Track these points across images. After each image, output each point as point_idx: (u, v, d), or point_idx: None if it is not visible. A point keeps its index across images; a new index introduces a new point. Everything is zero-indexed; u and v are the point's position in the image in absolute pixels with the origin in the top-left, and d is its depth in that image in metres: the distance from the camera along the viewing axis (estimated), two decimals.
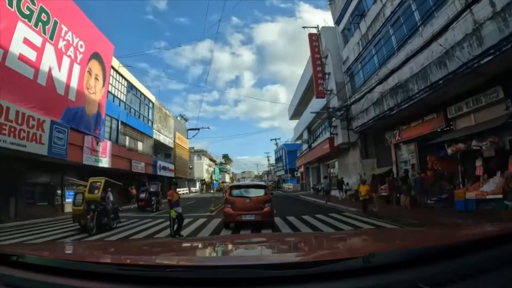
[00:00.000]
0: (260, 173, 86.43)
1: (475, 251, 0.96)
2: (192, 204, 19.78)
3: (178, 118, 34.27)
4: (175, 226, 7.57)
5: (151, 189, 15.09)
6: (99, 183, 9.06)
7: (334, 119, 16.62)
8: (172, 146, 29.47)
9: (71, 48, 15.24)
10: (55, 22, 13.96)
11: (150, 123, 24.38)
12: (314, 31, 19.78)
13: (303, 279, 0.84)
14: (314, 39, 19.38)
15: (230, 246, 1.77)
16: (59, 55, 14.41)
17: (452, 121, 10.92)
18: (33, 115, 12.10)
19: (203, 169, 52.18)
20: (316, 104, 20.55)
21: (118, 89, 19.50)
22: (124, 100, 20.16)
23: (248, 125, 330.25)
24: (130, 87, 21.17)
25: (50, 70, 13.75)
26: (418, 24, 10.43)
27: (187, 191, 41.59)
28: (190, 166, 48.77)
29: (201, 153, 53.77)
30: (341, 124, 16.35)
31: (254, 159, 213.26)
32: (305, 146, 28.36)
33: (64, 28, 14.76)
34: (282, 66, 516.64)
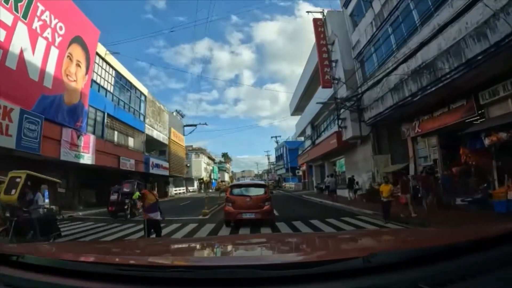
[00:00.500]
0: (260, 172, 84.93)
1: (475, 251, 0.95)
2: (186, 205, 18.11)
3: (174, 113, 32.48)
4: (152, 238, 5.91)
5: (125, 189, 11.69)
6: (19, 179, 6.23)
7: (342, 110, 14.90)
8: (166, 142, 27.72)
9: (48, 30, 13.54)
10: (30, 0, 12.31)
11: (142, 117, 22.62)
12: (319, 16, 18.08)
13: (303, 279, 0.84)
14: (319, 25, 17.67)
15: (230, 246, 1.76)
16: (34, 36, 12.73)
17: (484, 108, 9.29)
18: None
19: (201, 167, 50.46)
20: (322, 96, 18.88)
21: (104, 79, 17.77)
22: (112, 91, 18.42)
23: (248, 124, 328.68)
24: (119, 77, 19.43)
25: (21, 52, 12.09)
26: None
27: (185, 191, 40.00)
28: (188, 165, 47.19)
29: (199, 151, 52.08)
30: (351, 115, 14.64)
31: (254, 158, 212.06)
32: (308, 143, 26.67)
33: (41, 7, 13.08)
34: (282, 65, 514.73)
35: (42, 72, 13.08)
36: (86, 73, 15.80)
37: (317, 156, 22.73)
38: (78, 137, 14.64)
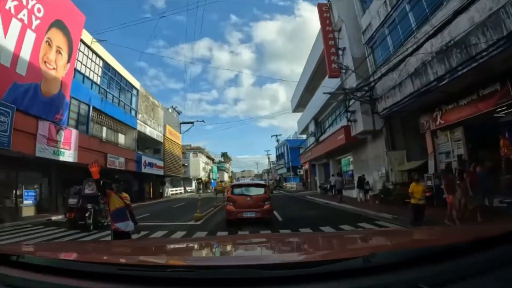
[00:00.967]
0: (260, 172, 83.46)
1: (475, 251, 0.95)
2: (180, 207, 16.61)
3: (170, 110, 30.90)
4: None
5: (87, 191, 9.10)
6: None
7: (352, 101, 13.39)
8: (161, 140, 26.20)
9: (24, 11, 12.05)
10: None
11: (133, 113, 21.10)
12: (324, 1, 16.60)
13: (304, 279, 0.83)
14: (325, 10, 16.17)
15: (230, 246, 1.76)
16: (6, 17, 11.27)
17: None
18: None
19: (199, 167, 49.00)
20: (326, 89, 17.41)
21: (90, 69, 16.27)
22: (99, 83, 16.91)
23: (248, 124, 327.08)
24: (107, 68, 17.92)
25: None
26: None
27: (182, 191, 38.54)
28: (185, 164, 45.76)
29: (198, 150, 50.54)
30: (361, 107, 13.15)
31: (254, 158, 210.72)
32: (310, 141, 25.16)
33: None
34: (282, 65, 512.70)
35: (15, 57, 11.60)
36: (68, 61, 14.30)
37: (321, 154, 21.24)
38: (58, 131, 13.15)
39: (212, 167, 59.59)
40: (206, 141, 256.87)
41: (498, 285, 0.83)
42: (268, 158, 58.95)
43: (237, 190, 8.76)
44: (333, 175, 19.44)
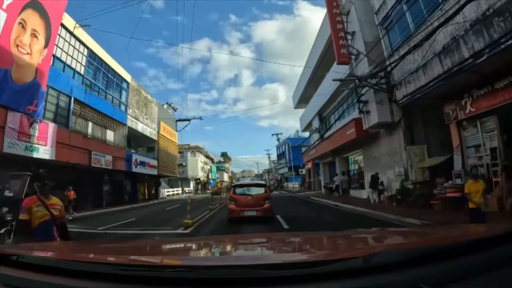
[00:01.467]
0: (261, 172, 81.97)
1: (475, 251, 0.95)
2: (173, 210, 15.08)
3: (165, 106, 29.32)
4: None
5: (7, 192, 6.57)
6: None
7: (366, 89, 11.84)
8: (155, 138, 24.63)
9: None
10: None
11: (123, 107, 19.53)
12: None
13: (304, 279, 0.83)
14: None
15: (230, 246, 1.75)
16: None
17: None
18: None
19: (197, 167, 47.47)
20: (331, 81, 15.91)
21: (73, 57, 14.75)
22: (83, 73, 15.37)
23: (248, 124, 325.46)
24: (93, 57, 16.37)
25: None
26: None
27: (180, 192, 37.01)
28: (183, 164, 44.25)
29: (196, 149, 48.99)
30: (376, 97, 11.61)
31: (254, 158, 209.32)
32: (315, 138, 23.63)
33: None
34: (281, 64, 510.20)
35: None
36: (46, 46, 12.77)
37: (326, 152, 19.69)
38: (31, 124, 11.62)
39: (211, 167, 58.03)
40: (206, 142, 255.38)
41: (498, 285, 0.82)
42: (269, 157, 57.57)
43: (238, 190, 9.18)
44: (337, 175, 18.02)
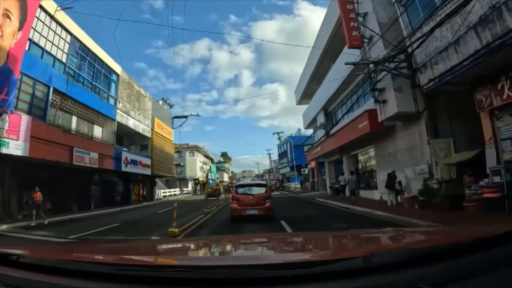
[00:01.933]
0: (261, 172, 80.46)
1: (476, 251, 0.94)
2: (164, 214, 13.52)
3: (160, 102, 27.82)
4: None
5: None
6: None
7: (382, 75, 10.34)
8: (148, 135, 23.14)
9: None
10: None
11: (112, 101, 18.05)
12: None
13: (304, 279, 0.83)
14: None
15: (230, 246, 1.74)
16: None
17: None
18: None
19: (196, 167, 46.01)
20: (338, 73, 14.44)
21: (53, 43, 13.30)
22: (64, 61, 13.92)
23: (248, 124, 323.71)
24: (77, 45, 14.92)
25: None
26: None
27: (177, 192, 35.56)
28: (181, 164, 42.85)
29: (195, 149, 47.51)
30: (394, 83, 10.12)
31: (254, 158, 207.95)
32: (319, 135, 22.13)
33: None
34: (281, 64, 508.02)
35: None
36: (20, 29, 11.33)
37: (332, 149, 18.20)
38: (0, 115, 10.17)
39: (210, 167, 56.50)
40: (206, 142, 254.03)
41: (498, 285, 0.81)
42: (270, 157, 55.98)
43: (240, 190, 9.35)
44: (343, 174, 16.56)
